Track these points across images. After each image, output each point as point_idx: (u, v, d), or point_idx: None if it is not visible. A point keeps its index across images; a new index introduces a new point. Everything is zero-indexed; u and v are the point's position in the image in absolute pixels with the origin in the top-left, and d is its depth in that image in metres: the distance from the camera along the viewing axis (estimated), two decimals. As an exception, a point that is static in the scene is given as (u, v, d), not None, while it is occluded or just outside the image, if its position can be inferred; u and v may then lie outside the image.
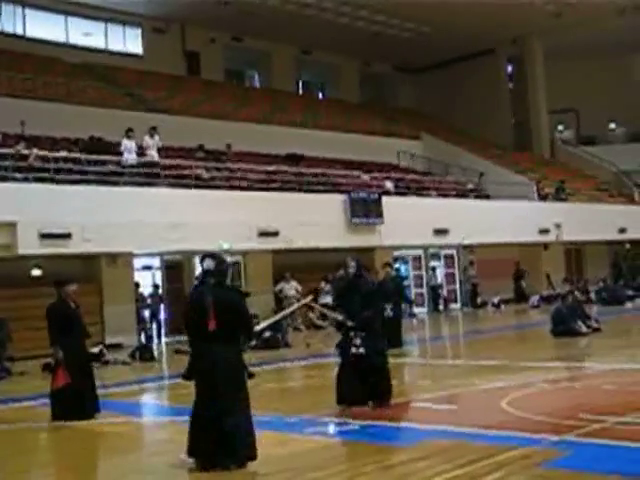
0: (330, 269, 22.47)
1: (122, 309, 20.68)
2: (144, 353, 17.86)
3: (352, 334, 9.68)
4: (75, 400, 10.05)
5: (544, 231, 30.86)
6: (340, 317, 9.91)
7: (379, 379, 9.76)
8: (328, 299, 20.47)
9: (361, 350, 9.60)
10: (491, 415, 8.92)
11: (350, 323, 9.76)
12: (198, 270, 23.73)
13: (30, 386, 13.88)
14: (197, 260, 23.12)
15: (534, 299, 28.82)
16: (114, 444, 8.89)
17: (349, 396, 9.66)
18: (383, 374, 9.86)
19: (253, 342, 18.65)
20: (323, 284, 23.85)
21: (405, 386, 12.54)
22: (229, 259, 24.32)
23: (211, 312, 7.09)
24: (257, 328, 8.80)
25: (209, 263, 7.40)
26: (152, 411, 12.10)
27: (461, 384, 11.54)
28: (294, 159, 28.99)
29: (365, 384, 9.65)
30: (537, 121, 41.50)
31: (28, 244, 17.95)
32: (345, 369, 9.77)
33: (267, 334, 19.16)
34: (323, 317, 21.87)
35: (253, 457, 7.08)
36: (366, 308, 9.78)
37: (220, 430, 6.98)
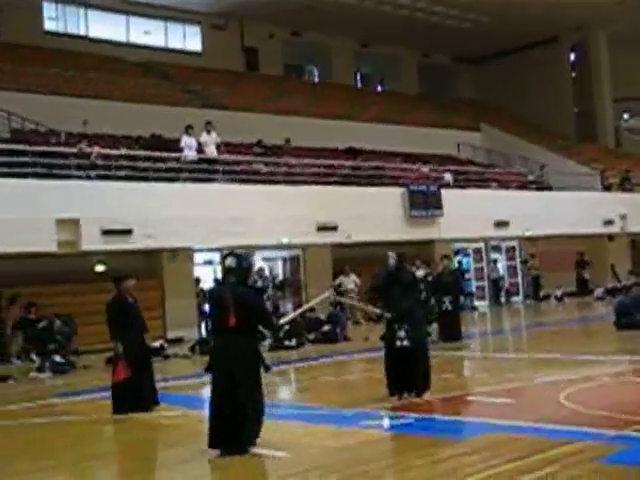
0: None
1: (183, 304, 20.96)
2: (204, 347, 18.05)
3: (395, 327, 9.78)
4: (135, 393, 10.23)
5: (609, 222, 30.24)
6: (377, 310, 10.07)
7: (421, 370, 9.82)
8: None
9: (405, 343, 9.70)
10: (548, 409, 8.77)
11: (388, 315, 9.86)
12: (257, 265, 24.01)
13: (93, 379, 14.18)
14: (257, 255, 23.49)
15: (599, 291, 28.27)
16: (173, 436, 9.02)
17: (398, 386, 9.74)
18: (426, 365, 9.93)
19: (313, 338, 18.82)
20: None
21: (463, 379, 12.48)
22: (285, 253, 24.55)
23: (231, 308, 7.44)
24: (280, 322, 9.29)
25: (231, 262, 7.69)
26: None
27: (520, 377, 11.41)
28: (353, 153, 28.95)
29: (408, 374, 9.72)
30: (601, 110, 40.64)
31: (91, 240, 18.32)
32: (390, 361, 9.84)
33: (326, 328, 19.26)
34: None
35: (257, 435, 7.55)
36: (405, 299, 9.82)
37: (237, 419, 7.35)
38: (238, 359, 7.46)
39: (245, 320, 7.48)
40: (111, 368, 11.00)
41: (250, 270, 8.33)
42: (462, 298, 19.41)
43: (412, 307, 9.97)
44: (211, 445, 7.52)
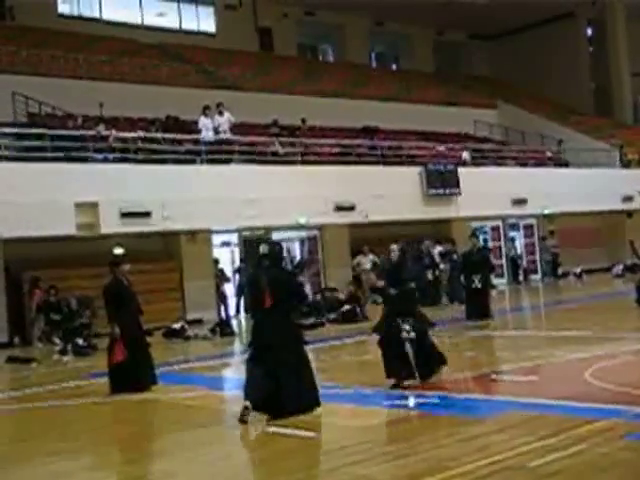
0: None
1: (202, 285, 20.99)
2: (224, 328, 18.12)
3: (399, 320, 9.58)
4: (132, 374, 10.41)
5: (628, 198, 30.00)
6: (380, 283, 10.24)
7: (425, 354, 9.63)
8: None
9: (412, 335, 9.53)
10: (573, 386, 8.74)
11: (393, 291, 9.82)
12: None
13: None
14: (275, 236, 23.44)
15: (617, 268, 28.07)
16: (197, 417, 9.04)
17: (398, 371, 9.58)
18: (430, 347, 9.77)
19: (333, 317, 18.84)
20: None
21: (486, 357, 12.42)
22: (305, 234, 24.54)
23: (267, 290, 8.10)
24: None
25: (264, 247, 8.42)
26: (233, 385, 12.24)
27: (542, 355, 11.33)
28: (369, 132, 28.81)
29: (412, 361, 9.52)
30: (619, 85, 40.22)
31: (110, 223, 18.37)
32: (394, 348, 9.57)
33: (346, 307, 19.28)
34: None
35: (317, 405, 8.09)
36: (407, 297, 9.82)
37: (279, 391, 7.88)
38: (277, 335, 8.09)
39: (281, 299, 8.15)
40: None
41: (282, 254, 8.81)
42: (492, 276, 19.25)
43: (414, 301, 9.94)
44: (256, 408, 7.90)
